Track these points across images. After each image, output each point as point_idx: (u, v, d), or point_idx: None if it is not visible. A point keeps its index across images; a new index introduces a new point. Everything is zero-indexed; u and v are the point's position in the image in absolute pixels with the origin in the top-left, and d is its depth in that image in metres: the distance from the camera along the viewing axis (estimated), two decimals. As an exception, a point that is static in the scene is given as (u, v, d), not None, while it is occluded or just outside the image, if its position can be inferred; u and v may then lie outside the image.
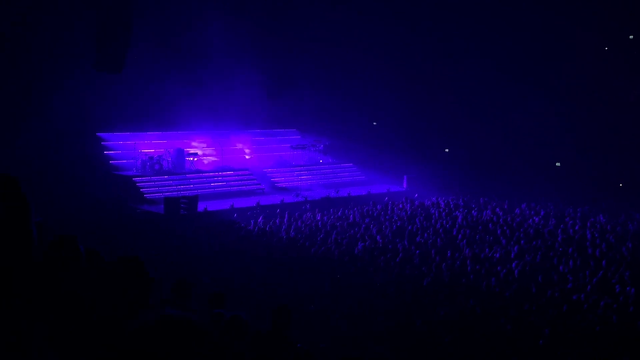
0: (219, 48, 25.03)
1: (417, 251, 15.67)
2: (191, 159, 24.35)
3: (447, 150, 28.97)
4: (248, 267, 14.36)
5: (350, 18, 27.07)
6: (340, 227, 18.39)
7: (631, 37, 26.21)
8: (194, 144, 25.46)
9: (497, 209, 21.50)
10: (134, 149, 23.79)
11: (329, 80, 28.43)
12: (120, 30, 18.92)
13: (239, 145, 26.96)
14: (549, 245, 16.62)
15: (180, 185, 22.91)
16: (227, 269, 14.08)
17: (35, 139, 20.06)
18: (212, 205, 21.09)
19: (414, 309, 12.06)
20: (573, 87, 26.15)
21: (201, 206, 20.58)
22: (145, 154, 23.53)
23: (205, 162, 25.34)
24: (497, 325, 11.26)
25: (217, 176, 24.53)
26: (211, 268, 14.01)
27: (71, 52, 21.20)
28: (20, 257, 2.31)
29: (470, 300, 12.24)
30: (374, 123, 29.75)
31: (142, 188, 22.01)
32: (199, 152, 25.08)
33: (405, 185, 26.71)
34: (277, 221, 19.06)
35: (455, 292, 12.95)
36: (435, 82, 27.92)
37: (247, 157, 26.77)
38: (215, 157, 25.86)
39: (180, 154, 24.09)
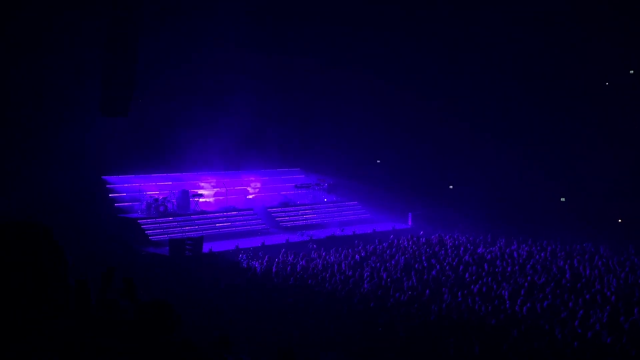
0: (222, 89, 25.30)
1: (427, 290, 15.52)
2: (196, 199, 24.37)
3: (451, 187, 28.93)
4: (254, 309, 14.23)
5: (355, 59, 27.40)
6: (346, 265, 18.27)
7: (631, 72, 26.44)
8: (199, 184, 25.49)
9: (504, 246, 21.35)
10: (139, 191, 23.85)
11: (333, 119, 28.58)
12: (125, 73, 19.12)
13: (244, 185, 26.98)
14: (557, 281, 16.45)
15: (185, 226, 22.89)
16: (232, 311, 13.95)
17: (40, 184, 20.14)
18: (217, 246, 21.02)
19: (422, 347, 11.90)
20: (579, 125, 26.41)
21: (206, 247, 20.51)
22: (150, 196, 23.58)
23: (211, 201, 25.33)
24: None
25: (222, 216, 24.50)
26: (217, 309, 13.89)
27: (76, 96, 21.41)
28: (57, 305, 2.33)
29: (473, 339, 12.07)
30: (378, 161, 29.81)
31: (147, 230, 21.99)
32: (204, 193, 25.11)
33: (410, 222, 26.62)
34: (281, 260, 18.96)
35: (463, 330, 12.78)
36: (439, 120, 28.02)
37: (251, 196, 26.75)
38: (220, 197, 25.87)
39: (185, 195, 24.09)
